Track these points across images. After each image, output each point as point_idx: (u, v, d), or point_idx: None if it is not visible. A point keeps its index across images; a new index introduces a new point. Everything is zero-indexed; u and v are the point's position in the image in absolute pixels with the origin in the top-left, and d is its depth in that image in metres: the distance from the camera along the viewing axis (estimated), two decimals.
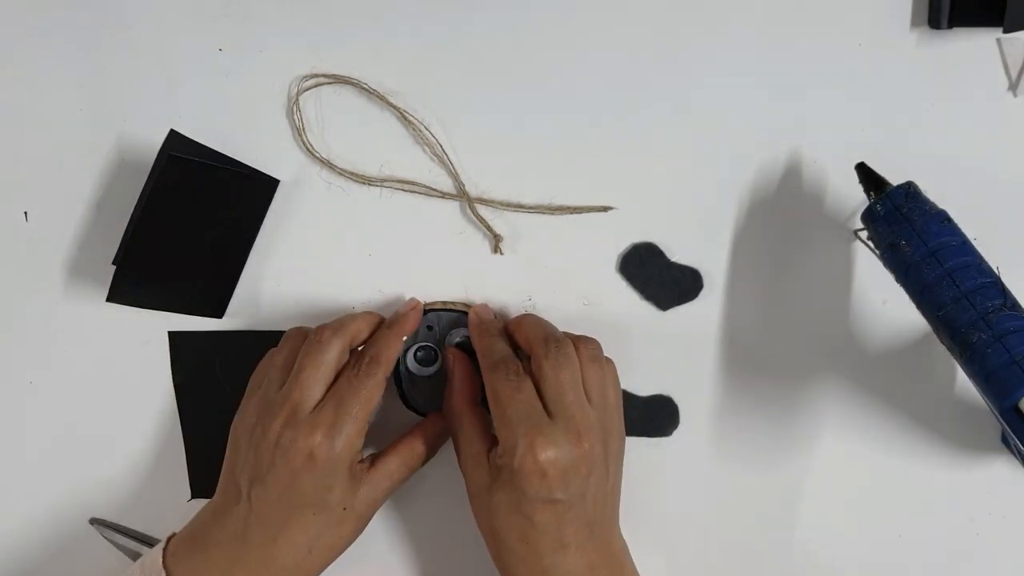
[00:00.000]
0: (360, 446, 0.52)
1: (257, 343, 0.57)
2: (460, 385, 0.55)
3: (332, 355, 0.52)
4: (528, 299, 0.58)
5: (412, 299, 0.57)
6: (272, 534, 0.51)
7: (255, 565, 0.51)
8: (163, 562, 0.51)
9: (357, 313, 0.55)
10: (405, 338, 0.54)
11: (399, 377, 0.57)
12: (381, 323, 0.55)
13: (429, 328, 0.57)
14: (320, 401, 0.51)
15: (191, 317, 0.58)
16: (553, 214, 0.57)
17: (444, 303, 0.57)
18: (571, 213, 0.57)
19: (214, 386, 0.59)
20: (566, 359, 0.51)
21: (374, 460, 0.54)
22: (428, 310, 0.57)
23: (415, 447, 0.55)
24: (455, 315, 0.57)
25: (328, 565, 0.53)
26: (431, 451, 0.56)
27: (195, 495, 0.59)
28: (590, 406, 0.51)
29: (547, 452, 0.48)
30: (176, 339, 0.58)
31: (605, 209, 0.57)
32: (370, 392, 0.51)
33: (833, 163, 0.57)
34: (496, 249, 0.58)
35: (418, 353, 0.57)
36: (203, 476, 0.58)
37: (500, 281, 0.58)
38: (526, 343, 0.53)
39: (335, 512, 0.51)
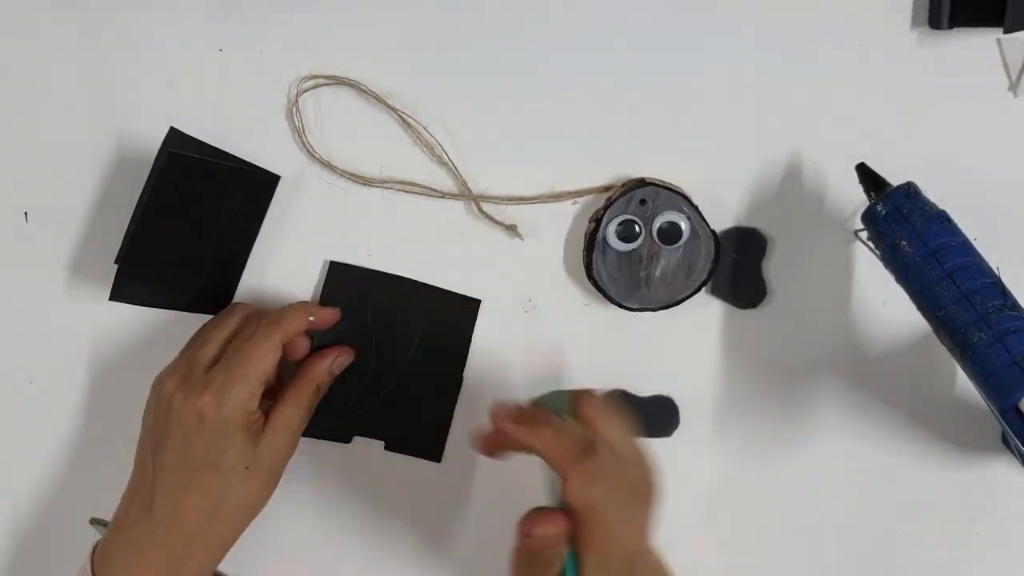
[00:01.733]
0: (253, 407, 0.51)
1: (409, 289, 0.57)
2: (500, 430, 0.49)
3: (235, 320, 0.53)
4: (528, 300, 0.58)
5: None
6: (174, 499, 0.50)
7: (163, 535, 0.50)
8: (91, 553, 0.52)
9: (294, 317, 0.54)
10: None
11: (592, 245, 0.55)
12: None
13: (642, 203, 0.54)
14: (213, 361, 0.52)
15: (192, 316, 0.58)
16: (556, 201, 0.57)
17: (664, 181, 0.55)
18: (571, 197, 0.57)
19: (355, 325, 0.58)
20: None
21: (268, 413, 0.53)
22: (648, 183, 0.55)
23: (303, 389, 0.54)
24: (674, 195, 0.54)
25: (243, 526, 0.52)
26: (321, 388, 0.55)
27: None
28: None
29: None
30: (333, 270, 0.57)
31: (606, 190, 0.57)
32: (263, 353, 0.51)
33: (833, 163, 0.57)
34: (516, 235, 0.57)
35: (619, 227, 0.54)
36: None
37: (501, 282, 0.58)
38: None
39: (236, 472, 0.51)
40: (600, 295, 0.57)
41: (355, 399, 0.58)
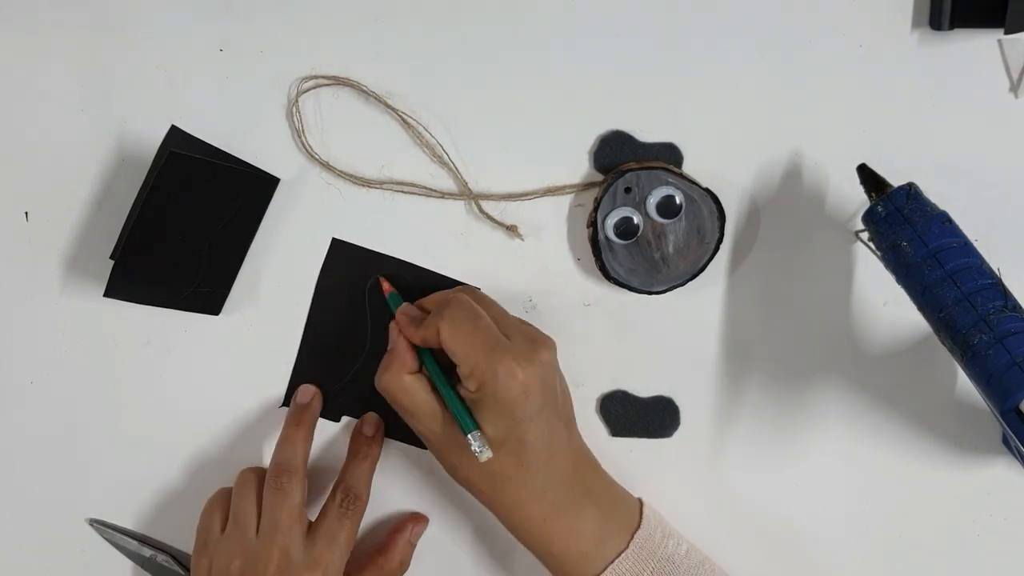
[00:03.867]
0: None
1: (408, 272, 0.58)
2: (400, 357, 0.53)
3: (298, 498, 0.54)
4: (529, 299, 0.58)
5: (368, 416, 0.58)
6: None
7: None
8: None
9: (293, 445, 0.56)
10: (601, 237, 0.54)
11: (597, 248, 0.55)
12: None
13: (628, 191, 0.54)
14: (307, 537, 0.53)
15: (188, 315, 0.58)
16: (554, 195, 0.57)
17: (639, 162, 0.55)
18: (571, 192, 0.57)
19: (352, 304, 0.58)
20: (480, 299, 0.54)
21: None
22: (626, 171, 0.55)
23: (386, 565, 0.57)
24: (654, 172, 0.54)
25: None
26: (404, 562, 0.58)
27: (287, 404, 0.59)
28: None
29: (525, 369, 0.49)
30: (335, 247, 0.58)
31: (604, 181, 0.56)
32: (353, 528, 0.54)
33: (834, 164, 0.57)
34: (516, 236, 0.57)
35: (616, 223, 0.54)
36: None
37: (500, 283, 0.58)
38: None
39: None
40: (622, 291, 0.56)
41: (348, 379, 0.58)
